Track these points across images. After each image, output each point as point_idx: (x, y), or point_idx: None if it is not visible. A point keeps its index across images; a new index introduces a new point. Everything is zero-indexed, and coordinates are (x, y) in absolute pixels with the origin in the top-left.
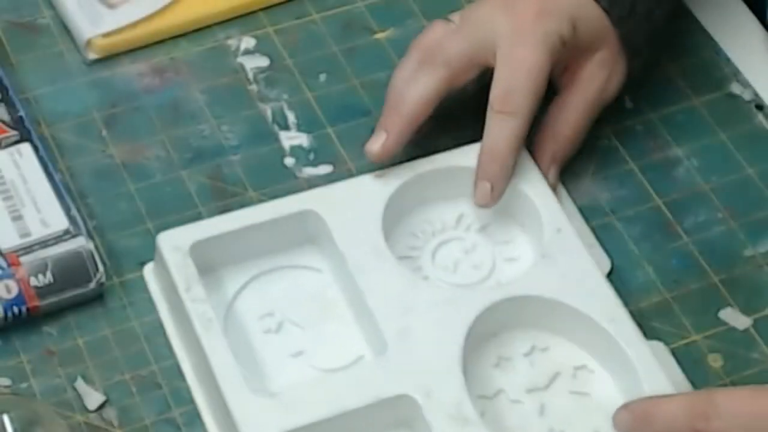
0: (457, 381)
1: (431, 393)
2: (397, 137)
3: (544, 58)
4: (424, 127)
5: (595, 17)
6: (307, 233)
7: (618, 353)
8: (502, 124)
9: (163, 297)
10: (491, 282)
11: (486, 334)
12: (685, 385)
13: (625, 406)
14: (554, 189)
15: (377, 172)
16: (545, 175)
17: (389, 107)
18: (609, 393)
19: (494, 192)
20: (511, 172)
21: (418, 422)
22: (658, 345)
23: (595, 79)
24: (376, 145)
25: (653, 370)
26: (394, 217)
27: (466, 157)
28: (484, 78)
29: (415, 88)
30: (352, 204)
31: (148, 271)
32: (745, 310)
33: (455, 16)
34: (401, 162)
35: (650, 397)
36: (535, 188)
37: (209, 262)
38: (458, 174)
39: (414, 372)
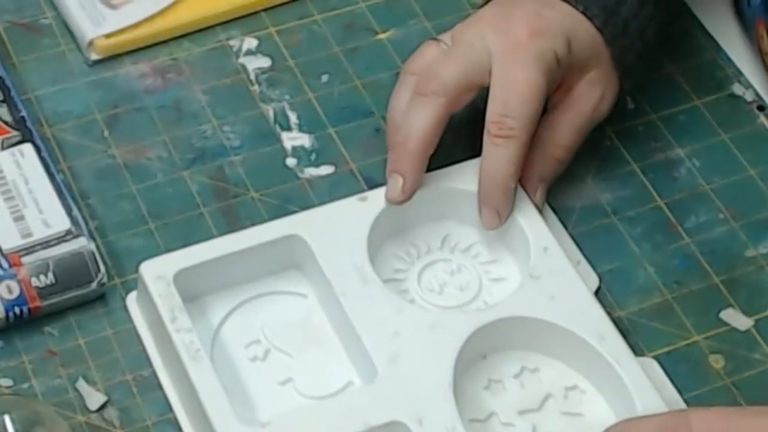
0: (449, 406)
1: (423, 419)
2: (413, 177)
3: (540, 78)
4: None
5: (589, 36)
6: (291, 258)
7: (609, 372)
8: (500, 148)
9: (147, 327)
10: (478, 303)
11: (475, 356)
12: (678, 402)
13: (606, 430)
14: (540, 208)
15: (360, 195)
16: (532, 196)
17: (395, 147)
18: (602, 413)
19: (501, 216)
20: (513, 193)
21: None
22: (651, 362)
23: (588, 99)
24: (396, 192)
25: (645, 389)
26: (379, 240)
27: (450, 178)
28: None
29: (417, 122)
30: (337, 228)
31: (131, 300)
32: (747, 311)
33: (446, 37)
34: (384, 184)
35: (629, 419)
36: (520, 208)
37: (193, 290)
38: (443, 195)
39: (405, 398)
